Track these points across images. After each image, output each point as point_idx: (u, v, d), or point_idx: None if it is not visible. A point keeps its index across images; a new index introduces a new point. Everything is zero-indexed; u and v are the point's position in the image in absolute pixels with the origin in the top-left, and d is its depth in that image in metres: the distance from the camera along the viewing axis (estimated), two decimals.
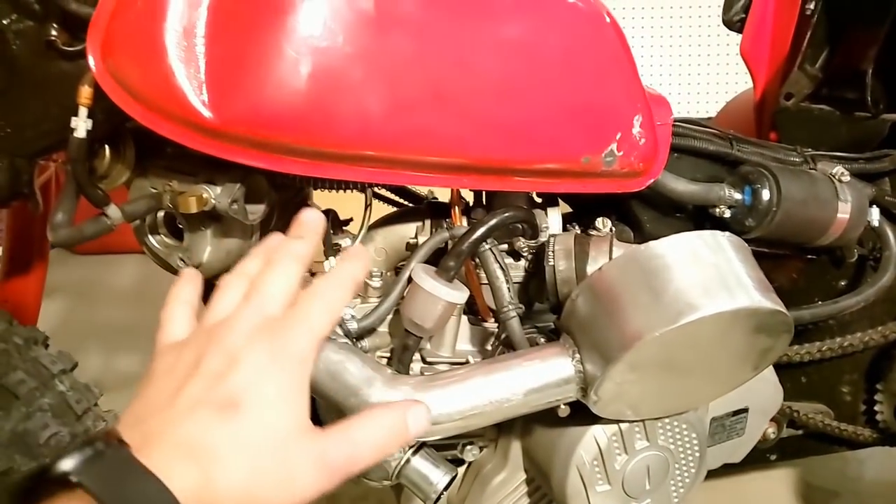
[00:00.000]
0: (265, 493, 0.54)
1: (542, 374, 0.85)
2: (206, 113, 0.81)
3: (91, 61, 0.81)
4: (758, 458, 1.32)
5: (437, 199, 1.22)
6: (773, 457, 1.38)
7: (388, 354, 1.03)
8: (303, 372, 0.59)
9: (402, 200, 1.26)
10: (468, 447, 1.08)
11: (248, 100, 0.82)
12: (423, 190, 1.27)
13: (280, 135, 0.84)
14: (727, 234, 0.86)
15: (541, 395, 0.86)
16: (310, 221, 0.69)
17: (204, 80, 0.81)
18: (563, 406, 0.89)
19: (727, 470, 1.18)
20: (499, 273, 0.94)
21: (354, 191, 1.07)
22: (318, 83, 0.83)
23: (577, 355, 0.85)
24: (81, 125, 0.83)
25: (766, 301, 0.80)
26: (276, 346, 0.58)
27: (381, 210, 1.24)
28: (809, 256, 1.25)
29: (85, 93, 0.83)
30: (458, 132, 0.89)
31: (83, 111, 0.83)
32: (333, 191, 1.06)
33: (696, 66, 3.25)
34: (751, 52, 1.41)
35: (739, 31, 1.42)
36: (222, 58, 0.81)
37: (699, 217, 1.14)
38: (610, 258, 0.94)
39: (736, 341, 0.83)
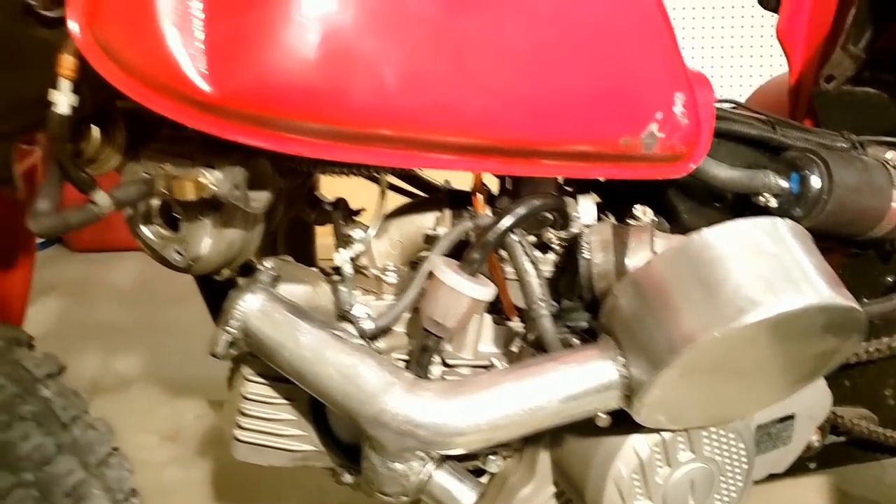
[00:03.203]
0: None
1: (582, 378, 0.76)
2: (205, 86, 0.72)
3: (73, 27, 0.72)
4: (797, 467, 1.23)
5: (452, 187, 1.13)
6: (813, 465, 1.29)
7: (404, 357, 0.94)
8: None
9: (415, 190, 1.17)
10: (491, 457, 0.98)
11: (252, 71, 0.73)
12: (438, 179, 1.18)
13: (287, 111, 0.75)
14: (786, 220, 0.77)
15: (579, 403, 0.77)
16: None
17: (202, 48, 0.72)
18: (602, 415, 0.80)
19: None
20: (528, 267, 0.85)
21: (362, 177, 0.99)
22: (329, 52, 0.74)
23: (621, 358, 0.76)
24: (63, 99, 0.74)
25: (838, 297, 0.71)
26: None
27: (393, 199, 1.15)
28: (854, 251, 1.16)
29: (67, 63, 0.74)
30: (482, 108, 0.80)
31: (65, 84, 0.74)
32: (342, 176, 0.97)
33: (725, 48, 3.08)
34: (787, 32, 1.32)
35: (775, 10, 1.33)
36: (223, 23, 0.72)
37: (739, 207, 1.05)
38: (651, 250, 0.85)
39: (800, 342, 0.74)
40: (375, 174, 0.95)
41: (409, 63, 0.77)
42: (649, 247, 0.85)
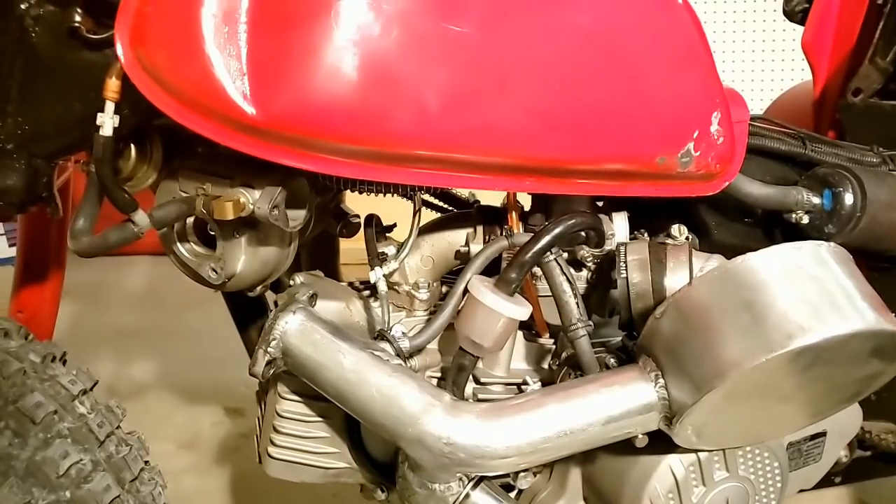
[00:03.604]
0: None
1: (624, 401, 0.76)
2: (249, 109, 0.72)
3: (120, 50, 0.72)
4: (822, 482, 1.23)
5: (478, 201, 1.13)
6: (838, 479, 1.29)
7: (437, 374, 0.94)
8: None
9: (443, 205, 1.17)
10: (521, 474, 0.98)
11: (295, 94, 0.73)
12: (463, 193, 1.18)
13: (330, 134, 0.75)
14: (830, 244, 0.77)
15: (620, 425, 0.77)
16: None
17: (246, 70, 0.72)
18: (641, 436, 0.80)
19: None
20: (566, 286, 0.85)
21: (396, 195, 0.99)
22: (371, 76, 0.74)
23: (661, 380, 0.76)
24: (108, 122, 0.74)
25: (885, 323, 0.71)
26: None
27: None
28: (884, 265, 1.16)
29: (112, 86, 0.74)
30: (521, 129, 0.80)
31: (110, 106, 0.74)
32: (372, 194, 0.96)
33: (748, 59, 3.05)
34: (813, 44, 1.32)
35: (801, 22, 1.33)
36: (266, 46, 0.72)
37: (769, 222, 1.05)
38: (690, 269, 0.85)
39: (845, 366, 0.74)
40: (410, 192, 0.95)
41: (450, 86, 0.77)
42: (688, 266, 0.85)
